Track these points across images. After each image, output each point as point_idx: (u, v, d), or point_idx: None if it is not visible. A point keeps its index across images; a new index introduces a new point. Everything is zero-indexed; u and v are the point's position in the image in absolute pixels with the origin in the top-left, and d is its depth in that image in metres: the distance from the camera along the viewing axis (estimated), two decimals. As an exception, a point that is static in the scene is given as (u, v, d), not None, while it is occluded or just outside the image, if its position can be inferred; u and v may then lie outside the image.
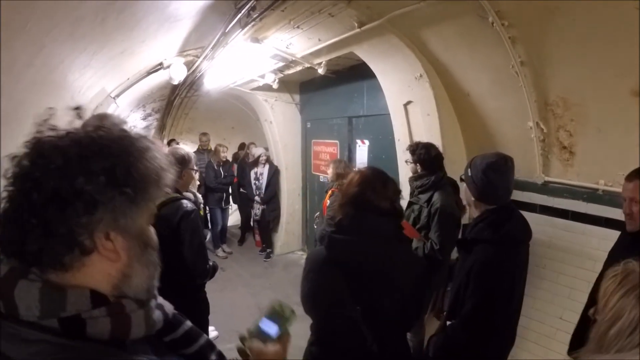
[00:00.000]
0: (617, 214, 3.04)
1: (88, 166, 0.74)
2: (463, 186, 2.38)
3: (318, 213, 5.56)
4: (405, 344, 2.18)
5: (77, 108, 0.86)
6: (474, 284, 2.07)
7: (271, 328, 1.17)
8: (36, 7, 1.83)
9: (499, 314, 2.07)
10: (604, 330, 1.23)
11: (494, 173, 2.15)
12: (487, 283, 2.05)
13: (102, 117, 2.12)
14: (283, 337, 1.18)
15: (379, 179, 2.00)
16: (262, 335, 1.15)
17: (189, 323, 0.94)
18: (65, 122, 0.80)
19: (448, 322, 2.28)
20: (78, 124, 0.82)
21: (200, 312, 2.87)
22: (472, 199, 2.27)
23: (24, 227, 0.71)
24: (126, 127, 0.86)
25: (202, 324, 2.83)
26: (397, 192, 2.06)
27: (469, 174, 2.24)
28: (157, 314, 0.88)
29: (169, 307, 0.91)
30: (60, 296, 0.74)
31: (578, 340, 2.23)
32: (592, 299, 2.30)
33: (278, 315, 1.21)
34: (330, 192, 4.97)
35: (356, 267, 1.90)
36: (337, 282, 1.90)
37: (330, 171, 5.02)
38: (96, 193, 0.74)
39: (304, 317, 1.90)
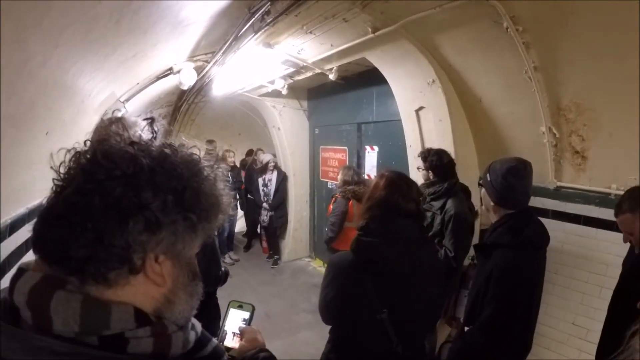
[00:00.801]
0: None
1: (158, 182, 0.71)
2: (482, 191, 2.35)
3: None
4: (423, 346, 2.20)
5: (149, 119, 0.83)
6: (494, 290, 2.05)
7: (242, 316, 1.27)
8: (54, 2, 1.81)
9: (518, 319, 2.04)
10: None
11: (514, 177, 2.15)
12: (507, 288, 2.03)
13: (117, 120, 2.10)
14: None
15: (404, 182, 2.05)
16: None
17: (215, 341, 0.92)
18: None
19: (466, 328, 2.25)
20: (146, 135, 0.78)
21: (213, 319, 2.84)
22: (491, 204, 2.26)
23: (74, 229, 0.66)
24: (196, 150, 0.82)
25: (214, 331, 2.79)
26: (420, 194, 2.10)
27: (488, 179, 2.23)
28: (192, 335, 0.84)
29: (198, 326, 0.88)
30: (104, 312, 0.68)
31: (605, 350, 2.19)
32: (614, 308, 2.28)
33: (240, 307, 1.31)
34: (333, 198, 5.01)
35: (384, 269, 1.92)
36: (365, 285, 1.92)
37: (339, 177, 5.02)
38: (160, 212, 0.70)
39: (311, 325, 1.88)
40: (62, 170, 0.73)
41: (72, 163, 0.73)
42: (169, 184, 0.71)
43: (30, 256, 0.73)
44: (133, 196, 0.68)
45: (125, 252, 0.68)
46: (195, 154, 0.80)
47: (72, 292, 0.67)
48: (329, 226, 4.81)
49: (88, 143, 0.75)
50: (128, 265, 0.69)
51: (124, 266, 0.69)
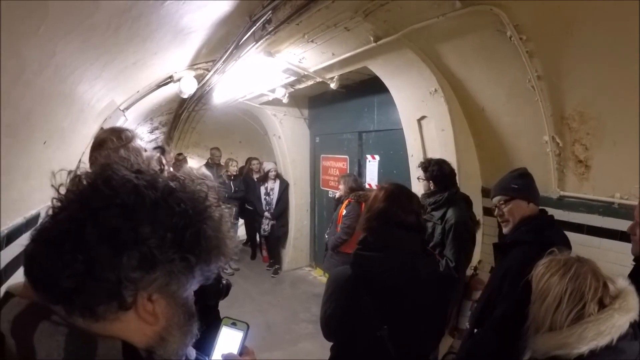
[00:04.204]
0: None
1: (160, 217, 0.67)
2: (508, 206, 2.40)
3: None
4: None
5: (160, 149, 0.79)
6: (509, 286, 2.02)
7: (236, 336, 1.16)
8: (50, 9, 1.77)
9: None
10: (536, 309, 1.46)
11: (527, 174, 2.50)
12: (523, 285, 1.99)
13: (115, 130, 2.07)
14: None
15: (404, 194, 2.02)
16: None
17: None
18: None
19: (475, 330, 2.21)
20: (154, 165, 0.74)
21: (215, 334, 2.76)
22: (526, 207, 2.37)
23: (64, 258, 0.62)
24: (205, 182, 0.79)
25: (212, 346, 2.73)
26: (421, 206, 2.06)
27: (514, 187, 2.41)
28: None
29: (192, 354, 0.83)
30: (89, 347, 0.64)
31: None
32: None
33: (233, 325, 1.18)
34: (346, 201, 4.97)
35: (383, 284, 1.88)
36: (364, 301, 1.87)
37: (342, 187, 5.04)
38: (157, 249, 0.66)
39: (312, 335, 1.84)
40: (62, 190, 0.70)
41: (71, 185, 0.69)
42: (170, 220, 0.68)
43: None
44: (130, 229, 0.64)
45: (115, 287, 0.64)
46: (203, 191, 0.76)
47: (57, 324, 0.64)
48: (345, 229, 4.79)
49: (90, 166, 0.71)
50: (118, 301, 0.65)
51: (113, 301, 0.65)
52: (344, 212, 4.93)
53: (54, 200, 0.69)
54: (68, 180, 0.71)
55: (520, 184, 2.40)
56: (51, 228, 0.66)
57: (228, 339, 1.15)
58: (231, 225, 0.80)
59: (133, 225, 0.64)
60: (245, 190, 7.71)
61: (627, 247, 2.92)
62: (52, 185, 0.71)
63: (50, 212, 0.69)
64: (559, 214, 3.54)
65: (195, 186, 0.75)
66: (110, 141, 1.80)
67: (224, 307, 2.39)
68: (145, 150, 1.79)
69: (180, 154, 8.33)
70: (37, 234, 0.67)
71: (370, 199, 2.07)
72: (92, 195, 0.66)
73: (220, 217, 0.76)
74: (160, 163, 0.67)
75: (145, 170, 0.72)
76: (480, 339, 2.12)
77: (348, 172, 6.30)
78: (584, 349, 1.30)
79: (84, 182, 0.69)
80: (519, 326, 1.95)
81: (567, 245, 2.23)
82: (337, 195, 5.25)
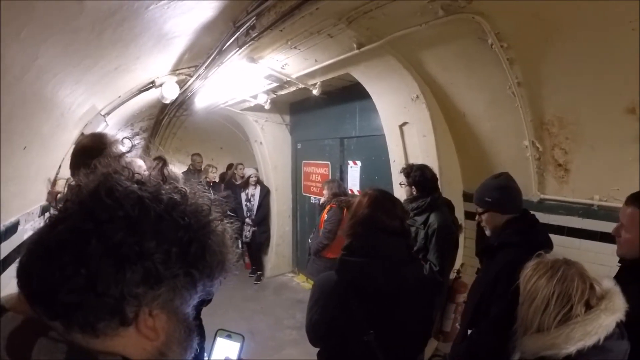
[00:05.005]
0: (611, 228, 3.04)
1: (165, 230, 0.64)
2: (484, 217, 2.49)
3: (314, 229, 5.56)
4: None
5: (160, 158, 0.77)
6: (503, 287, 2.03)
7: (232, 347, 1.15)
8: (34, 12, 1.74)
9: None
10: (525, 311, 1.49)
11: (508, 183, 2.49)
12: (517, 285, 2.03)
13: (100, 137, 2.04)
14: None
15: (387, 199, 2.03)
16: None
17: None
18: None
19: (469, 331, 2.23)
20: (155, 174, 0.72)
21: (199, 342, 2.72)
22: (501, 220, 2.41)
23: (64, 271, 0.59)
24: (208, 195, 0.76)
25: (200, 353, 2.69)
26: (405, 211, 2.06)
27: (487, 200, 2.44)
28: None
29: None
30: None
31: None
32: None
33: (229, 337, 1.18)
34: (328, 207, 5.02)
35: (369, 290, 1.88)
36: (350, 306, 1.87)
37: (325, 192, 5.10)
38: (161, 264, 0.63)
39: (296, 342, 1.83)
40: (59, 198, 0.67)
41: (70, 195, 0.67)
42: (175, 234, 0.66)
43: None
44: (134, 243, 0.62)
45: (118, 304, 0.61)
46: (207, 204, 0.74)
47: (56, 341, 0.61)
48: (326, 234, 4.85)
49: (71, 172, 0.69)
50: (119, 317, 0.63)
51: (114, 318, 0.62)
52: (326, 217, 4.98)
53: (52, 209, 0.67)
54: (66, 189, 0.69)
55: (494, 197, 2.43)
56: (50, 239, 0.63)
57: (223, 351, 1.14)
58: (233, 240, 0.78)
59: (137, 239, 0.62)
60: (229, 196, 7.66)
61: (606, 247, 3.04)
62: (49, 193, 0.68)
63: (48, 221, 0.66)
64: (539, 217, 3.56)
65: (198, 199, 0.73)
66: (109, 149, 1.78)
67: (207, 315, 2.35)
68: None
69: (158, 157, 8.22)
70: (34, 245, 0.64)
71: (354, 204, 2.07)
72: (95, 206, 0.63)
73: (223, 231, 0.75)
74: (163, 174, 0.65)
75: (147, 181, 0.70)
76: (477, 339, 2.14)
77: (330, 178, 6.33)
78: (572, 349, 1.32)
79: (84, 192, 0.66)
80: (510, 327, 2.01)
81: (550, 244, 2.30)
82: (321, 201, 5.29)
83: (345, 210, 4.89)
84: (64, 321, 0.61)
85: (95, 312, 0.61)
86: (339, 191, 5.05)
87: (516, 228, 2.33)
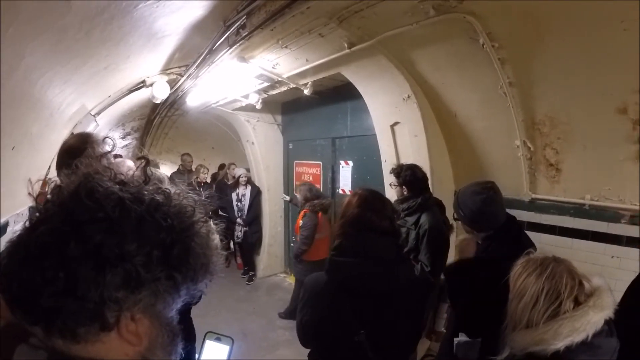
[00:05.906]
0: (603, 227, 3.15)
1: (146, 232, 0.63)
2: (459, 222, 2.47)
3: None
4: None
5: (143, 158, 0.74)
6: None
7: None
8: (20, 10, 1.72)
9: None
10: (514, 307, 1.50)
11: (489, 206, 2.28)
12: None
13: (86, 137, 2.01)
14: None
15: (377, 199, 2.01)
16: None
17: None
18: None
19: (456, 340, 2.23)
20: (138, 175, 0.70)
21: (186, 342, 2.70)
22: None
23: (45, 274, 0.58)
24: (191, 198, 0.74)
25: (190, 354, 2.68)
26: (395, 211, 2.05)
27: (462, 214, 2.37)
28: None
29: None
30: None
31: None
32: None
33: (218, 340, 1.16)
34: (302, 212, 5.13)
35: (359, 290, 1.87)
36: (341, 306, 1.86)
37: (298, 196, 5.29)
38: (143, 267, 0.62)
39: (289, 342, 1.82)
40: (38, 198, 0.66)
41: (51, 196, 0.65)
42: (157, 236, 0.64)
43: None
44: (114, 245, 0.60)
45: (98, 308, 0.60)
46: (191, 205, 0.72)
47: (36, 348, 0.60)
48: (303, 239, 4.93)
49: (58, 172, 0.67)
50: (100, 322, 0.61)
51: (95, 323, 0.61)
52: (301, 223, 5.05)
53: (31, 210, 0.66)
54: (49, 189, 0.67)
55: (464, 214, 2.36)
56: (30, 242, 0.61)
57: (212, 354, 1.12)
58: (219, 242, 0.77)
59: (117, 241, 0.60)
60: (218, 196, 7.63)
61: (597, 246, 3.09)
62: (30, 194, 0.67)
63: (28, 223, 0.64)
64: (531, 216, 3.65)
65: (182, 200, 0.72)
66: (91, 149, 1.75)
67: (198, 316, 2.34)
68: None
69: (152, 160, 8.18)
70: (13, 248, 0.63)
71: (343, 204, 2.06)
72: (75, 207, 0.61)
73: (208, 233, 0.73)
74: (145, 174, 0.63)
75: (129, 181, 0.69)
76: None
77: (322, 178, 6.37)
78: (560, 344, 1.33)
79: (65, 193, 0.64)
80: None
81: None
82: (289, 198, 5.39)
83: (320, 213, 5.07)
84: (45, 326, 0.60)
85: (75, 317, 0.59)
86: (311, 195, 5.13)
87: (503, 240, 2.24)
